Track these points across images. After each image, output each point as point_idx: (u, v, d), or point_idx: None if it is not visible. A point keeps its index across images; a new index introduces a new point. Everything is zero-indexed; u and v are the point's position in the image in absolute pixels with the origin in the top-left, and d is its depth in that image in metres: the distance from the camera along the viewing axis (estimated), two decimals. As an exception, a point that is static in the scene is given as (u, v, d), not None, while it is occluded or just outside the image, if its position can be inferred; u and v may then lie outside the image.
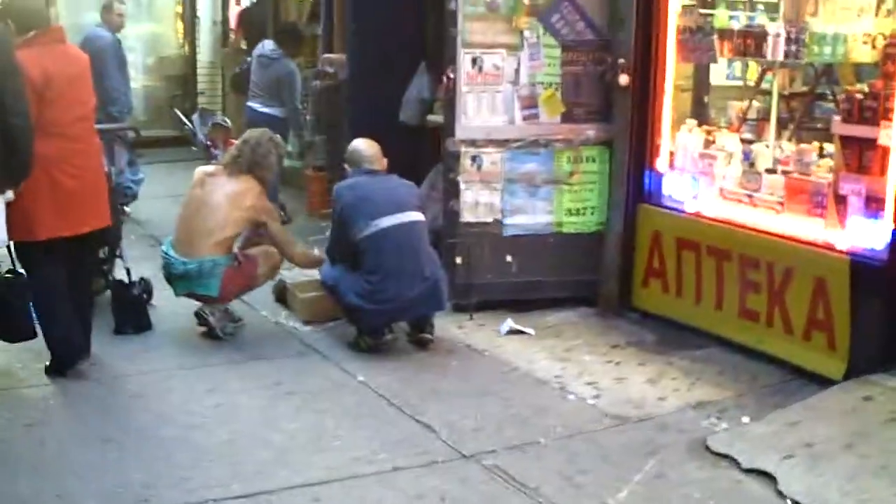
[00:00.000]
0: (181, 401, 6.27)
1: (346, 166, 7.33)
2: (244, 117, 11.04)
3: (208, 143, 11.19)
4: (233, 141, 12.25)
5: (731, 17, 7.32)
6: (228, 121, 11.28)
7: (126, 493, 5.05)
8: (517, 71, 7.72)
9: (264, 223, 7.46)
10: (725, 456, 5.51)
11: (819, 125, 7.59)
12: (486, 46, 7.66)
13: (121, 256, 8.31)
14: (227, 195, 7.35)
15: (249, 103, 11.03)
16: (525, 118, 7.78)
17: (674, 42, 7.48)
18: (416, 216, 7.10)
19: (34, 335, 6.43)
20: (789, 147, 7.17)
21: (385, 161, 7.26)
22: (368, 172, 7.14)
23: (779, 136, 7.31)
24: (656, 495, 5.11)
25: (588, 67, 7.81)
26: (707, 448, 5.62)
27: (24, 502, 4.94)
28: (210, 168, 7.70)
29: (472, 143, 7.72)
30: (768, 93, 7.64)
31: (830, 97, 7.71)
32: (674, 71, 7.59)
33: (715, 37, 7.22)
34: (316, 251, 7.99)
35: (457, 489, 5.13)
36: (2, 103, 5.79)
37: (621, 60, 7.55)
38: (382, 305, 6.92)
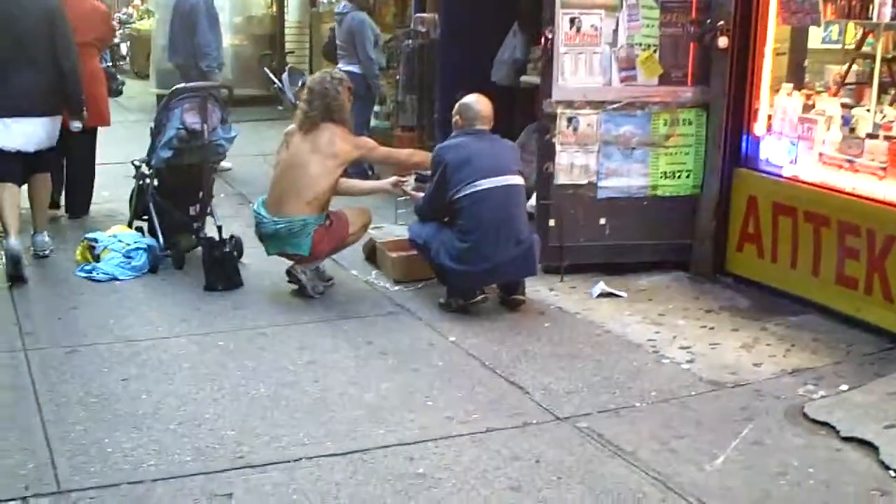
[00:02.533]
0: (273, 358, 6.29)
1: (454, 120, 7.23)
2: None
3: (297, 102, 11.21)
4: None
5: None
6: (317, 80, 11.27)
7: (221, 448, 5.07)
8: (615, 32, 7.63)
9: (364, 158, 7.43)
10: (824, 424, 5.41)
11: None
12: (584, 7, 7.57)
13: (212, 214, 8.38)
14: (312, 149, 7.33)
15: (338, 65, 11.04)
16: (622, 80, 7.69)
17: (775, 4, 7.31)
18: (517, 180, 7.02)
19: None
20: (892, 112, 6.99)
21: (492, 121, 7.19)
22: (475, 133, 7.06)
23: (879, 100, 7.13)
24: (754, 462, 5.03)
25: (686, 29, 7.69)
26: (804, 415, 5.53)
27: (125, 454, 4.97)
28: (292, 128, 7.67)
29: (569, 104, 7.65)
30: (869, 56, 7.47)
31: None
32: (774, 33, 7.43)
33: (820, -1, 7.06)
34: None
35: (552, 451, 5.08)
36: (55, 46, 7.92)
37: (721, 22, 7.41)
38: (475, 267, 6.88)
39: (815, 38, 8.10)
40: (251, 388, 5.82)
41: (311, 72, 13.63)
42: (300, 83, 11.44)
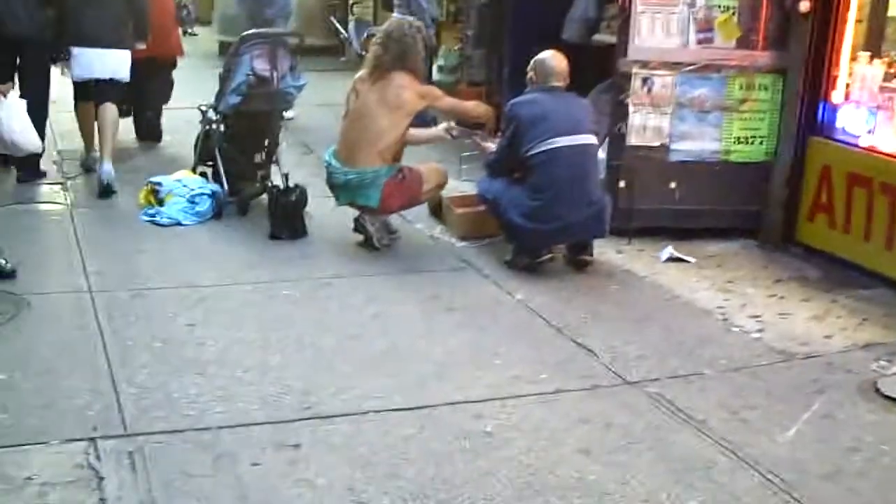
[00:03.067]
0: (339, 309, 6.26)
1: (529, 76, 7.12)
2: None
3: (363, 52, 11.12)
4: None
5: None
6: (383, 31, 11.18)
7: (287, 398, 5.05)
8: (694, -8, 7.49)
9: (430, 107, 7.37)
10: (897, 400, 5.33)
11: None
12: (664, -34, 7.43)
13: (277, 162, 8.34)
14: (379, 100, 7.22)
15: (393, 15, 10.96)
16: (700, 41, 7.54)
17: (860, -32, 7.15)
18: (591, 139, 6.93)
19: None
20: None
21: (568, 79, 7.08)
22: (550, 90, 6.96)
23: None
24: (826, 436, 4.95)
25: (766, -9, 7.54)
26: (878, 391, 5.43)
27: (191, 400, 4.96)
28: (361, 74, 7.59)
29: (644, 64, 7.52)
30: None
31: None
32: (857, -1, 7.27)
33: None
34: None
35: (622, 416, 5.02)
36: None
37: (803, -15, 7.27)
38: (545, 226, 6.80)
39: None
40: (317, 338, 5.78)
41: (376, 23, 13.53)
42: (366, 34, 11.34)
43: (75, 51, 8.60)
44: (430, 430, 4.80)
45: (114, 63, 8.73)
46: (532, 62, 7.09)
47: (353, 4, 13.89)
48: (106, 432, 4.64)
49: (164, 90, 10.49)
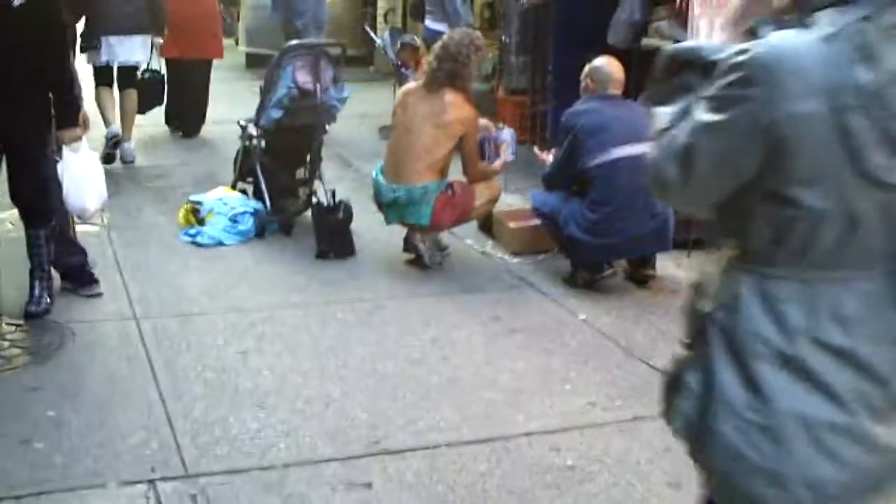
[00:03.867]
0: (397, 333, 5.98)
1: (584, 84, 6.85)
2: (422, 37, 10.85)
3: (399, 63, 10.89)
4: (423, 61, 12.01)
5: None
6: (418, 40, 10.97)
7: (353, 431, 4.78)
8: (752, -5, 7.17)
9: (464, 136, 6.98)
10: None
11: None
12: (722, -31, 7.13)
13: (320, 178, 8.08)
14: (428, 115, 6.93)
15: (425, 22, 10.75)
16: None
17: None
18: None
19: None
20: None
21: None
22: (608, 98, 6.69)
23: None
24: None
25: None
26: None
27: (252, 436, 4.69)
28: (409, 87, 7.31)
29: (703, 69, 7.21)
30: None
31: None
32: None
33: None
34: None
35: (707, 445, 4.73)
36: None
37: None
38: (607, 240, 6.53)
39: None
40: (377, 365, 5.52)
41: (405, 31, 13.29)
42: (400, 43, 11.09)
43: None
44: (507, 464, 4.54)
45: (135, 48, 9.71)
46: (587, 69, 6.82)
47: (386, 13, 13.63)
48: (165, 473, 4.39)
49: (206, 86, 11.16)
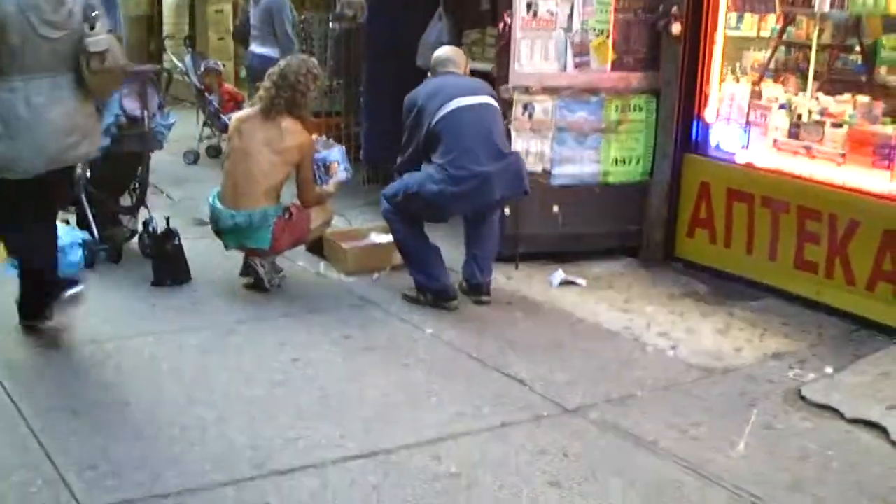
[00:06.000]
0: (256, 356, 6.06)
1: (429, 75, 7.14)
2: (246, 62, 10.84)
3: (202, 87, 10.90)
4: (227, 86, 12.03)
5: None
6: (221, 64, 11.00)
7: (237, 456, 4.84)
8: (570, 17, 7.57)
9: (299, 165, 7.12)
10: (824, 406, 5.50)
11: (847, 77, 7.60)
12: (541, -9, 7.51)
13: (146, 205, 8.06)
14: (265, 141, 7.01)
15: (250, 47, 10.78)
16: (577, 65, 7.64)
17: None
18: (490, 100, 6.89)
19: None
20: (827, 99, 7.13)
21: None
22: (445, 73, 7.00)
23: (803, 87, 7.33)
24: (773, 447, 5.07)
25: (639, 15, 7.71)
26: (803, 399, 5.61)
27: (136, 466, 4.71)
28: (244, 113, 7.39)
29: (525, 90, 7.57)
30: (791, 44, 7.64)
31: (857, 49, 7.67)
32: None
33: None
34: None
35: (576, 444, 5.03)
36: None
37: (674, 9, 7.44)
38: (463, 186, 6.63)
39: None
40: (243, 389, 5.60)
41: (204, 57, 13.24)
42: (204, 67, 11.11)
43: None
44: (396, 475, 4.70)
45: None
46: (432, 60, 7.17)
47: (187, 37, 13.53)
48: (61, 512, 4.37)
49: None
